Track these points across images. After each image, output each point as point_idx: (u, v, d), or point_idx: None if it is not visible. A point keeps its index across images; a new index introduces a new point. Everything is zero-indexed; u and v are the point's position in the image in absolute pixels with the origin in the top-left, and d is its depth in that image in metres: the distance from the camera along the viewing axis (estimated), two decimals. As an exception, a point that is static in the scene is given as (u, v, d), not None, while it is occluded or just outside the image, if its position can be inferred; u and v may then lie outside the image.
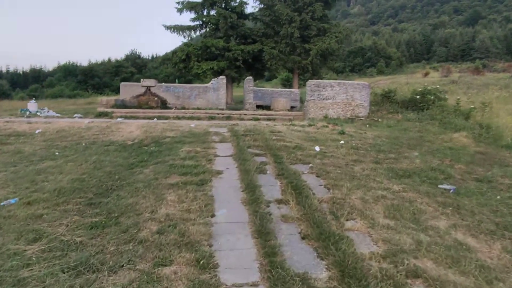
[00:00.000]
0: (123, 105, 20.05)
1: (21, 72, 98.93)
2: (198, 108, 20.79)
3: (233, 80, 30.45)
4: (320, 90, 17.78)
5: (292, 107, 22.13)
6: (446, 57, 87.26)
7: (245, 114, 18.22)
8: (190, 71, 27.72)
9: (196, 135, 10.85)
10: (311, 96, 17.91)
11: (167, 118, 17.12)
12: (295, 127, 13.11)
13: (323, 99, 17.79)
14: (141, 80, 21.04)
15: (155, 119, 16.84)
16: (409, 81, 39.88)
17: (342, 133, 12.17)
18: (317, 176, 7.06)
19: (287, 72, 31.95)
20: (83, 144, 10.09)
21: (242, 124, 13.56)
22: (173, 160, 7.96)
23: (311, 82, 18.05)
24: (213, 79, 21.58)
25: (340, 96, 17.83)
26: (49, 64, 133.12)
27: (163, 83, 22.34)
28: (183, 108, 21.09)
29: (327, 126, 13.52)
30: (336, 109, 17.84)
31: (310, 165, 7.82)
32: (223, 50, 26.39)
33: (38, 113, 17.87)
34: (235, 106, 24.86)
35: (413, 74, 59.03)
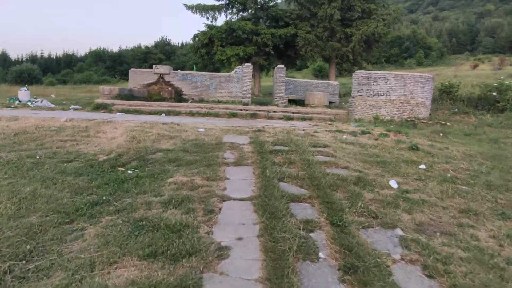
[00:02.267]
0: (130, 95, 16.72)
1: (54, 57, 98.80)
2: (218, 102, 17.18)
3: (262, 69, 26.60)
4: (371, 83, 13.70)
5: (330, 102, 18.13)
6: (493, 49, 79.15)
7: (274, 112, 14.43)
8: (212, 58, 24.09)
9: (203, 148, 7.24)
10: (358, 91, 13.87)
11: (177, 113, 13.61)
12: (344, 135, 9.25)
13: (374, 95, 13.70)
14: (153, 66, 17.62)
15: (163, 114, 13.38)
16: (458, 74, 34.65)
17: (414, 148, 8.21)
18: (428, 277, 3.26)
19: (321, 60, 27.64)
20: (37, 157, 6.70)
21: (271, 128, 9.83)
22: (147, 208, 4.38)
23: (359, 74, 13.98)
24: (237, 67, 17.86)
25: (396, 92, 13.68)
26: (81, 49, 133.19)
27: (179, 71, 18.84)
28: (201, 100, 17.55)
29: (387, 135, 9.55)
30: (390, 108, 13.73)
31: (398, 232, 4.03)
32: (250, 34, 22.52)
33: (29, 103, 14.82)
34: (263, 99, 21.07)
35: (460, 66, 52.91)
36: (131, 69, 18.21)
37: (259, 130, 8.92)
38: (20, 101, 15.01)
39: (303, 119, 13.88)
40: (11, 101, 14.96)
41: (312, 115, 14.33)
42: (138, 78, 17.94)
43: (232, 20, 24.38)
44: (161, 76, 17.78)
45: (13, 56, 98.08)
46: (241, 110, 14.43)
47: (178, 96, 17.58)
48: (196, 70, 23.60)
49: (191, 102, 17.09)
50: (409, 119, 13.58)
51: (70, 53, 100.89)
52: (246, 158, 6.52)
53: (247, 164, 6.16)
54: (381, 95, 13.63)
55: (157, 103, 14.47)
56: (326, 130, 9.83)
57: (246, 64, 17.13)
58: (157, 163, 6.33)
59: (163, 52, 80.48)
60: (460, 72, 43.16)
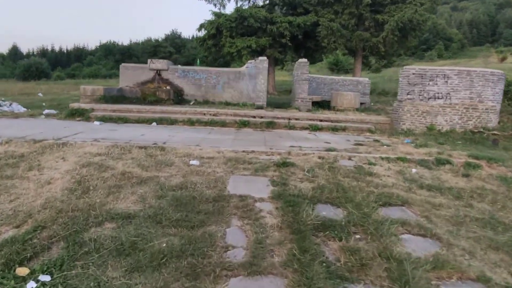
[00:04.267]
0: (120, 96, 13.52)
1: (64, 51, 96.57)
2: (226, 103, 13.87)
3: (276, 63, 23.16)
4: (425, 83, 10.20)
5: (360, 104, 14.67)
6: (515, 41, 73.77)
7: (296, 119, 11.06)
8: (221, 51, 20.73)
9: (191, 209, 3.94)
10: (408, 94, 10.39)
11: (173, 122, 10.36)
12: (413, 169, 5.86)
13: (429, 98, 10.21)
14: (149, 61, 14.37)
15: (154, 123, 10.14)
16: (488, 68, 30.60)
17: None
18: None
19: (345, 53, 23.98)
20: None
21: (300, 156, 6.49)
22: None
23: (410, 71, 10.48)
24: (249, 61, 14.47)
25: (460, 94, 10.15)
26: (92, 42, 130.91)
27: (179, 66, 15.54)
28: (206, 102, 14.27)
29: (477, 165, 6.12)
30: (450, 116, 10.22)
31: None
32: (264, 23, 19.05)
33: (-7, 108, 11.74)
34: (278, 99, 17.69)
35: (487, 58, 48.44)
36: (122, 64, 15.01)
37: (284, 163, 5.57)
38: (-18, 105, 11.94)
39: (335, 129, 10.48)
40: (-29, 105, 11.90)
41: (346, 124, 10.92)
42: (131, 75, 14.72)
43: (243, 7, 20.92)
44: (158, 72, 14.53)
45: (24, 50, 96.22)
46: (254, 117, 11.09)
47: (178, 97, 14.33)
48: (200, 65, 20.30)
49: (193, 104, 13.84)
50: (475, 130, 10.07)
51: (81, 47, 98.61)
52: (268, 247, 3.21)
53: (272, 272, 2.85)
54: (438, 98, 10.13)
55: (148, 107, 11.22)
56: (381, 158, 6.43)
57: (260, 58, 13.73)
58: (96, 255, 3.09)
59: (173, 46, 77.59)
60: (489, 65, 38.90)
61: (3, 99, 12.88)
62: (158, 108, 11.13)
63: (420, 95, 10.22)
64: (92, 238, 3.40)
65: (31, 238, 3.45)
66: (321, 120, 11.08)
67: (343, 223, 3.60)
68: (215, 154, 6.17)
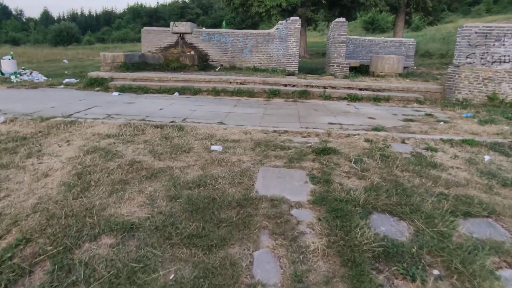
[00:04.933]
0: (142, 62, 12.69)
1: (94, 15, 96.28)
2: (254, 69, 12.72)
3: (308, 23, 21.30)
4: (490, 44, 8.56)
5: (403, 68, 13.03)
6: None
7: (333, 87, 9.81)
8: (248, 11, 19.14)
9: (209, 219, 3.06)
10: (467, 56, 8.81)
11: (196, 92, 9.43)
12: (486, 155, 4.67)
13: (494, 61, 8.60)
14: (171, 24, 13.28)
15: (176, 93, 9.27)
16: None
17: None
18: None
19: (385, 9, 21.59)
20: None
21: (343, 137, 5.42)
22: None
23: (471, 29, 8.80)
24: (279, 22, 13.03)
25: (532, 57, 8.47)
26: (120, 5, 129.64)
27: (203, 29, 14.34)
28: (232, 67, 13.17)
29: None
30: (517, 83, 8.62)
31: None
32: (296, -22, 17.20)
33: (13, 77, 11.24)
34: (311, 64, 16.23)
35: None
36: (144, 28, 13.99)
37: (324, 149, 4.51)
38: (2, 74, 11.47)
39: (377, 100, 9.18)
40: (-9, 74, 11.46)
41: (389, 93, 9.56)
42: (154, 39, 13.74)
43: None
44: (181, 36, 13.47)
45: (55, 14, 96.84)
46: (285, 85, 9.93)
47: (203, 62, 13.30)
48: (227, 27, 18.95)
49: (219, 70, 12.79)
50: (548, 101, 8.47)
51: (109, 10, 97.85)
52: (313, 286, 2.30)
53: None
54: (505, 62, 8.50)
55: (170, 75, 10.29)
56: (442, 141, 5.23)
57: (291, 18, 12.26)
58: (83, 288, 2.32)
59: (200, 7, 75.30)
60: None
61: (23, 67, 12.36)
62: (181, 76, 10.18)
63: (482, 58, 8.61)
64: (83, 260, 2.61)
65: (11, 256, 2.72)
66: (361, 89, 9.76)
67: (413, 249, 2.60)
68: (241, 136, 5.21)
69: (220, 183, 3.70)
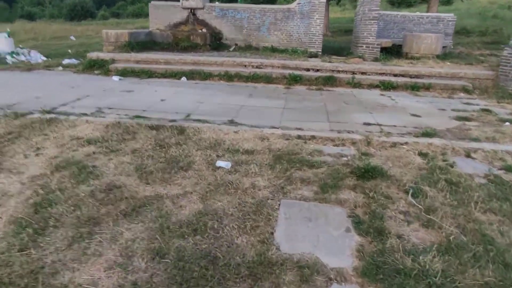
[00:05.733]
0: (149, 41, 11.52)
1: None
2: (273, 49, 11.39)
3: (331, -3, 19.47)
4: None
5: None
6: None
7: (363, 73, 8.45)
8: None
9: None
10: (530, 38, 7.26)
11: (206, 77, 8.26)
12: None
13: None
14: (181, -3, 11.95)
15: (183, 78, 8.12)
16: None
17: None
18: None
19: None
20: None
21: (389, 149, 4.21)
22: None
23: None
24: (301, -5, 11.51)
25: None
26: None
27: (216, 3, 12.92)
28: (248, 47, 11.86)
29: None
30: None
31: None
32: None
33: (8, 57, 10.27)
34: (334, 43, 14.70)
35: None
36: (152, 2, 12.68)
37: (366, 171, 3.32)
38: (-1, 54, 10.52)
39: (415, 88, 7.81)
40: (-15, 54, 10.51)
41: (430, 80, 8.15)
42: (162, 15, 12.46)
43: None
44: (192, 11, 12.15)
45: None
46: (308, 70, 8.62)
47: (216, 41, 12.02)
48: (242, 2, 17.39)
49: (233, 50, 11.51)
50: None
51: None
52: None
53: None
54: None
55: (178, 57, 9.10)
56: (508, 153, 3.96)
57: (316, -10, 10.74)
58: None
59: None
60: None
61: (21, 46, 11.37)
62: (189, 58, 8.97)
63: (548, 40, 7.08)
64: None
65: None
66: (395, 75, 8.37)
67: None
68: (256, 143, 4.06)
69: (225, 226, 2.60)
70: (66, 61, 10.04)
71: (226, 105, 5.87)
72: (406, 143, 4.16)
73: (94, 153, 3.72)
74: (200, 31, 11.99)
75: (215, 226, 2.61)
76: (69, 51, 12.87)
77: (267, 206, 2.84)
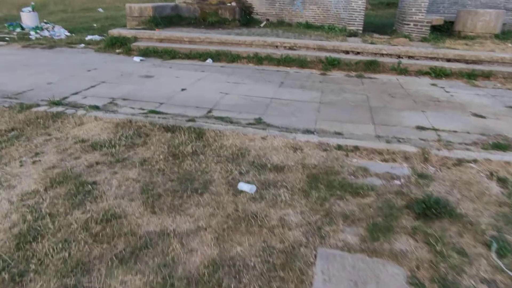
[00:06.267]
0: (175, 16, 10.81)
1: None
2: (307, 25, 10.40)
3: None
4: None
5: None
6: None
7: (410, 57, 7.38)
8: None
9: None
10: None
11: (234, 59, 7.51)
12: None
13: None
14: (209, -33, 11.00)
15: (209, 60, 7.44)
16: None
17: None
18: None
19: None
20: None
21: (439, 153, 3.40)
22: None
23: None
24: (342, -36, 10.26)
25: None
26: None
27: (247, -26, 11.87)
28: (281, 23, 10.93)
29: None
30: None
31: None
32: None
33: (32, 32, 9.90)
34: (375, 18, 13.39)
35: None
36: (179, -28, 11.81)
37: (428, 207, 2.56)
38: (23, 28, 10.16)
39: (471, 76, 6.72)
40: (11, 28, 10.18)
41: (490, 67, 6.99)
42: (189, -13, 11.60)
43: None
44: (220, -17, 11.22)
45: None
46: (347, 52, 7.65)
47: (246, 16, 11.14)
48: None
49: (264, 26, 10.61)
50: None
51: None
52: None
53: None
54: None
55: (204, 36, 8.34)
56: None
57: (359, -42, 9.48)
58: None
59: None
60: None
61: (45, 20, 10.95)
62: (216, 37, 8.20)
63: None
64: None
65: None
66: (448, 60, 7.26)
67: None
68: (287, 155, 3.37)
69: (245, 287, 1.98)
70: (89, 37, 9.55)
71: (253, 98, 5.15)
72: (475, 160, 3.32)
73: (97, 163, 3.18)
74: (229, 4, 11.10)
75: (232, 285, 2.00)
76: (94, 25, 12.38)
77: (300, 258, 2.18)
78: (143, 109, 4.53)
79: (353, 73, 6.95)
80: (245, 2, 11.29)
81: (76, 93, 5.08)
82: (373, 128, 4.18)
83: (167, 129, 3.85)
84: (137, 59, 7.45)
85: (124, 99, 4.89)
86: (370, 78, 6.67)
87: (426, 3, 8.88)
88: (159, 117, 4.17)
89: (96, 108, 4.51)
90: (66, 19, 14.20)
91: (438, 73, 6.86)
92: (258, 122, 4.22)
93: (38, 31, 9.94)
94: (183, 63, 7.34)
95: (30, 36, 9.56)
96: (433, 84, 6.33)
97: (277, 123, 4.20)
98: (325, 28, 10.17)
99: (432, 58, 7.32)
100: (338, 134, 3.97)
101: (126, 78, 5.95)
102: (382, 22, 12.44)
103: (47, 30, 10.15)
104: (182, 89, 5.41)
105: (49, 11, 16.73)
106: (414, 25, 9.08)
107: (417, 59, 7.35)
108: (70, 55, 7.80)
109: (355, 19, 9.48)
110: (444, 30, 10.18)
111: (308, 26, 10.55)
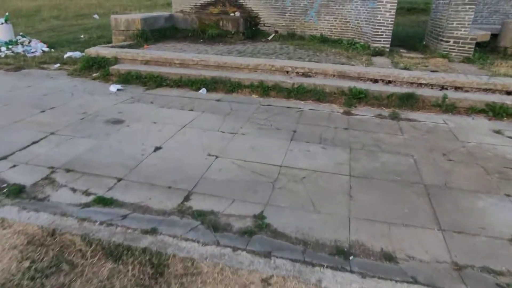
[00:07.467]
0: (170, 27, 9.31)
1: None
2: (322, 39, 8.84)
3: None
4: None
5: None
6: None
7: (457, 88, 5.73)
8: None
9: None
10: None
11: (234, 88, 5.95)
12: None
13: None
14: (210, -29, 9.46)
15: (203, 90, 5.91)
16: None
17: None
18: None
19: None
20: None
21: None
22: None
23: None
24: (365, -33, 8.61)
25: None
26: None
27: (253, -21, 10.28)
28: (292, 35, 9.37)
29: None
30: None
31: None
32: None
33: (3, 49, 8.47)
34: (397, 28, 11.74)
35: None
36: (175, -23, 10.28)
37: None
38: (-4, 43, 8.74)
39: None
40: (-19, 43, 8.75)
41: None
42: (188, -6, 10.08)
43: None
44: (222, -10, 9.68)
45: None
46: (375, 81, 6.02)
47: (251, 28, 9.59)
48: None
49: (272, 38, 9.05)
50: None
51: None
52: None
53: None
54: None
55: (198, 58, 6.79)
56: None
57: (387, -39, 7.81)
58: None
59: None
60: None
61: (21, 34, 9.49)
62: (212, 59, 6.64)
63: None
64: None
65: None
66: (509, 93, 5.60)
67: None
68: None
69: None
70: (68, 54, 8.11)
71: (254, 165, 3.59)
72: None
73: None
74: (232, 14, 9.55)
75: None
76: (82, 36, 10.95)
77: None
78: (89, 194, 3.00)
79: (386, 111, 5.34)
80: (250, 12, 9.72)
81: (5, 157, 3.58)
82: (443, 241, 2.58)
83: (108, 253, 2.31)
84: (113, 88, 5.94)
85: (68, 170, 3.37)
86: (409, 120, 5.05)
87: (471, 16, 7.20)
88: (102, 222, 2.63)
89: (20, 191, 3.01)
90: (55, 27, 12.82)
91: (497, 112, 5.23)
92: (259, 227, 2.66)
93: (10, 46, 8.52)
94: (169, 94, 5.82)
95: (0, 53, 8.13)
96: (497, 132, 4.69)
97: (289, 228, 2.64)
98: (344, 43, 8.55)
99: (486, 90, 5.67)
100: (389, 258, 2.39)
101: (86, 126, 4.44)
102: (407, 33, 10.76)
103: (22, 44, 8.72)
104: (156, 148, 3.87)
105: (42, 17, 15.39)
106: (455, 42, 7.40)
107: (467, 91, 5.71)
108: (34, 82, 6.33)
109: (381, 35, 7.83)
110: (484, 45, 8.50)
111: (324, 40, 8.94)
